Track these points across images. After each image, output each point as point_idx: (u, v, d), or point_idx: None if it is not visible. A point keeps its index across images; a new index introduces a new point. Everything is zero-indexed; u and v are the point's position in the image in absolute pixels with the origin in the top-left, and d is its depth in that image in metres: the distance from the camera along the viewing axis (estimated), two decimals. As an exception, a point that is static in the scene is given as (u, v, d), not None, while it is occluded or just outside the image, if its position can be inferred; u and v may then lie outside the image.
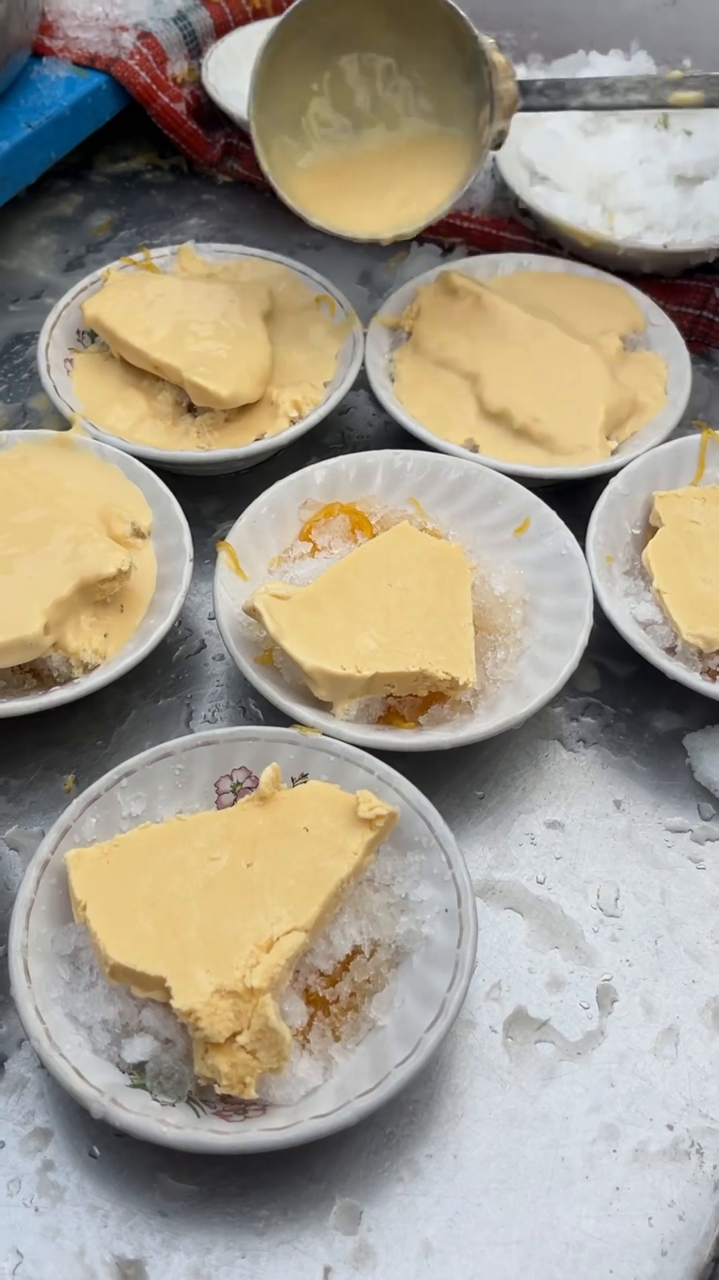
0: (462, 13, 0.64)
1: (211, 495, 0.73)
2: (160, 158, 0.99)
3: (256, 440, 0.70)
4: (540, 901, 0.58)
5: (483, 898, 0.58)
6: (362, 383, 0.80)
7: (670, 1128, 0.51)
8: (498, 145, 0.67)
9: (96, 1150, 0.50)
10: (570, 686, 0.65)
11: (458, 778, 0.62)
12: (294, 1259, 0.47)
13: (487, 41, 0.64)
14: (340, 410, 0.79)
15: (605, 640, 0.64)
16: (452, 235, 0.88)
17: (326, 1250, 0.48)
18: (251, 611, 0.59)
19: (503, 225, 0.87)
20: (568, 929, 0.57)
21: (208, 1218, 0.48)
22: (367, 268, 0.90)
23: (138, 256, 0.80)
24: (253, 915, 0.49)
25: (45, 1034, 0.47)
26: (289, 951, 0.48)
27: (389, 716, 0.60)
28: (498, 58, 0.65)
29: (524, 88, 0.68)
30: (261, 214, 0.94)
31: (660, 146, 0.89)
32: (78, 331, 0.77)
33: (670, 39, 0.92)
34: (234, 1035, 0.46)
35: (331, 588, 0.60)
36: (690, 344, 0.81)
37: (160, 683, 0.66)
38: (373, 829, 0.52)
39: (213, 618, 0.68)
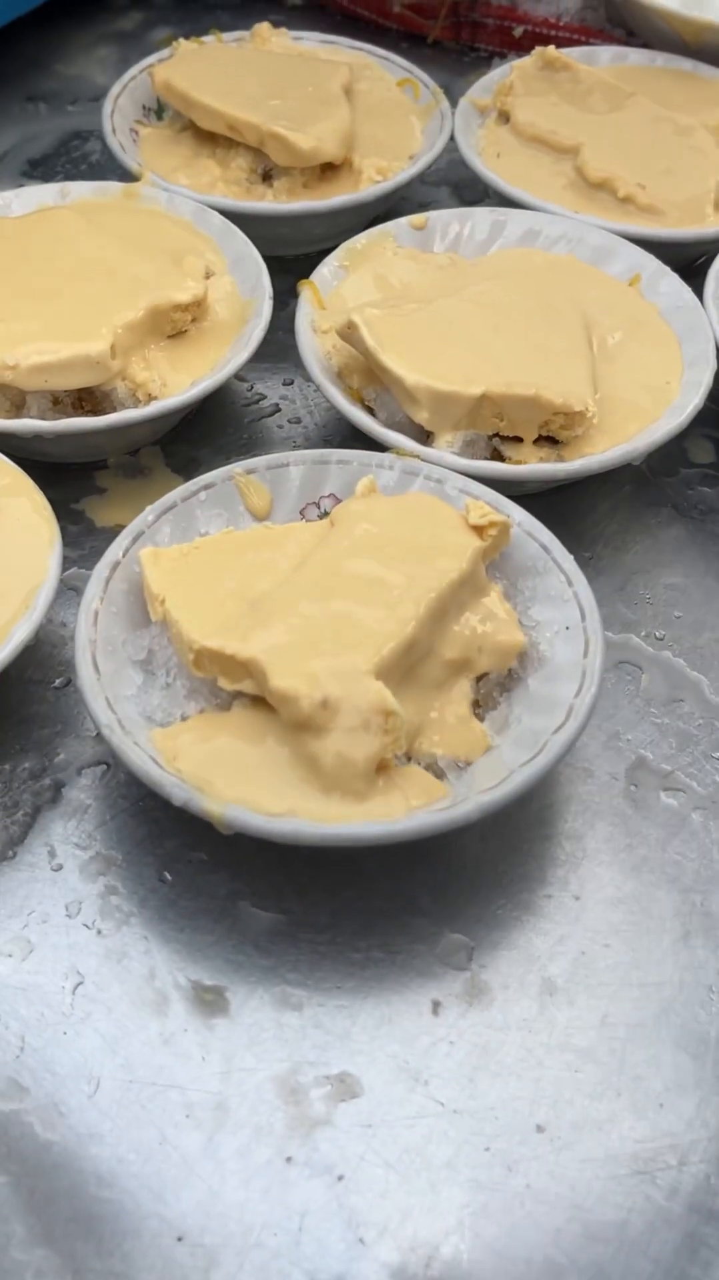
0: None
1: (286, 274, 0.67)
2: (226, -21, 0.93)
3: (339, 201, 0.65)
4: (660, 657, 0.52)
5: (596, 652, 0.51)
6: (444, 179, 0.75)
7: None
8: None
9: (168, 875, 0.43)
10: (684, 458, 0.59)
11: (566, 537, 0.54)
12: (398, 993, 0.41)
13: None
14: (422, 203, 0.74)
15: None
16: (538, 45, 0.83)
17: (435, 985, 0.41)
18: (347, 329, 0.53)
19: (593, 34, 0.82)
20: (691, 684, 0.51)
21: (295, 948, 0.42)
22: (446, 83, 0.84)
23: (208, 39, 0.75)
24: (353, 611, 0.43)
25: (118, 724, 0.41)
26: (396, 645, 0.42)
27: (493, 459, 0.54)
28: None
29: None
30: (335, 36, 0.88)
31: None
32: (144, 107, 0.72)
33: None
34: (338, 721, 0.40)
35: (434, 307, 0.54)
36: None
37: (231, 442, 0.60)
38: (484, 538, 0.46)
39: (288, 383, 0.62)
